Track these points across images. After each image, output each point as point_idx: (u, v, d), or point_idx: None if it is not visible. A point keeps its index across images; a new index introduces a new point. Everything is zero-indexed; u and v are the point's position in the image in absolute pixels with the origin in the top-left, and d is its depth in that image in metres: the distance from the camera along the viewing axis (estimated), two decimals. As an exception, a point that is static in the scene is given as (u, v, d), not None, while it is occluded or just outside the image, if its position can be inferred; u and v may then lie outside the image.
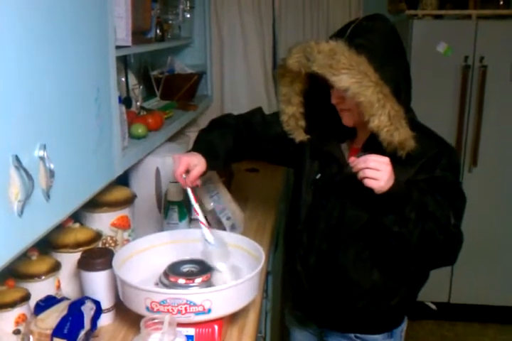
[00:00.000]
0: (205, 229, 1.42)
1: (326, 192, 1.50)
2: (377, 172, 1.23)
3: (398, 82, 1.33)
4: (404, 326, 1.61)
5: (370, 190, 1.26)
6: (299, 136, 1.51)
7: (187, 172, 1.45)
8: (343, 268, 1.46)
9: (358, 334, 1.56)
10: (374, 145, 1.34)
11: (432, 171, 1.37)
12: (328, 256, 1.49)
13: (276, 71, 1.60)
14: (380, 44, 1.32)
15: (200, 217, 1.43)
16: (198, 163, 1.47)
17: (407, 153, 1.33)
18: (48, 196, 0.96)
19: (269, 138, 1.63)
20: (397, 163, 1.28)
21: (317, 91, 1.45)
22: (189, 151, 1.57)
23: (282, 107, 1.50)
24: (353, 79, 1.25)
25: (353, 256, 1.45)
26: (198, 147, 1.57)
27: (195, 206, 1.44)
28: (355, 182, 1.28)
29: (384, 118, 1.28)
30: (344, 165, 1.44)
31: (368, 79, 1.26)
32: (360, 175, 1.25)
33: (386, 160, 1.25)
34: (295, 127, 1.50)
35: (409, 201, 1.29)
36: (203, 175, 1.50)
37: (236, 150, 1.63)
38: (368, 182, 1.24)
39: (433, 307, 3.20)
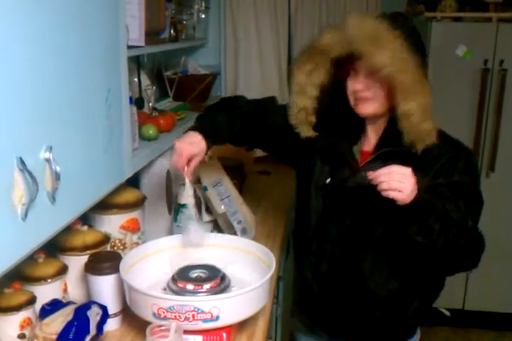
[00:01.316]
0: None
1: (337, 197, 1.43)
2: (401, 183, 1.18)
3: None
4: (417, 337, 1.57)
5: (389, 200, 1.20)
6: (306, 131, 1.44)
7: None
8: (358, 276, 1.41)
9: None
10: (386, 147, 1.31)
11: (450, 176, 1.33)
12: (342, 263, 1.44)
13: (296, 57, 1.53)
14: (408, 38, 1.29)
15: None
16: (197, 153, 1.47)
17: (422, 157, 1.29)
18: (53, 199, 0.94)
19: (276, 127, 1.56)
20: (414, 169, 1.23)
21: (330, 90, 1.40)
22: (192, 128, 1.54)
23: (293, 98, 1.41)
24: (397, 56, 1.23)
25: (370, 263, 1.40)
26: (202, 124, 1.56)
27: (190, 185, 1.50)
28: (369, 191, 1.23)
29: (414, 104, 1.26)
30: (357, 170, 1.39)
31: (410, 61, 1.24)
32: (384, 187, 1.19)
33: (409, 171, 1.20)
34: (303, 121, 1.43)
35: (433, 211, 1.24)
36: (206, 152, 1.52)
37: (241, 133, 1.61)
38: (392, 194, 1.19)
39: (447, 313, 3.15)
